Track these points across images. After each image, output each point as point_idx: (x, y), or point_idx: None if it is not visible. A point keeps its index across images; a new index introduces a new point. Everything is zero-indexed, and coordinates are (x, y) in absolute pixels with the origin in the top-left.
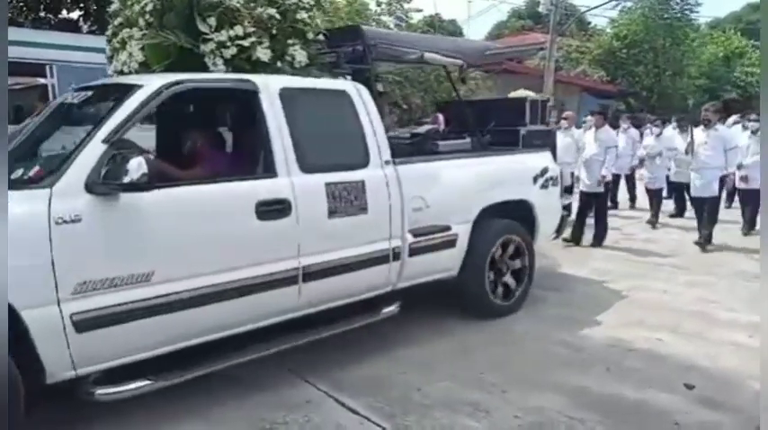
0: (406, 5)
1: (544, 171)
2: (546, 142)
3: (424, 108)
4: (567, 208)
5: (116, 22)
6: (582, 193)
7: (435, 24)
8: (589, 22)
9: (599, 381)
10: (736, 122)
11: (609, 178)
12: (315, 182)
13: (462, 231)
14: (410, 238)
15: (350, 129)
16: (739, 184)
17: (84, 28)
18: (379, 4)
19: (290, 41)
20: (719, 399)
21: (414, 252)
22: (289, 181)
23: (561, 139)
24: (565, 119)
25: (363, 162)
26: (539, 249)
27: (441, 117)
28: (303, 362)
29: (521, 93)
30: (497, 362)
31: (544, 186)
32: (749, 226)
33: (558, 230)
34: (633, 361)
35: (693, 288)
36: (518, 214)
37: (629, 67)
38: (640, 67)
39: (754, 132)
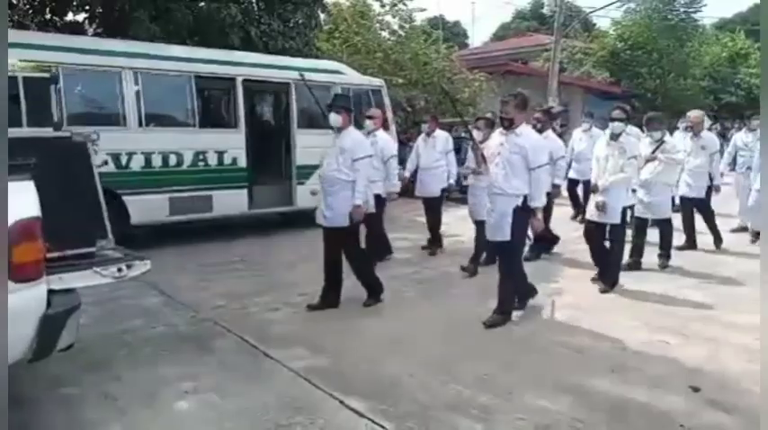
0: (409, 4)
1: None
2: (46, 162)
3: (428, 110)
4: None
5: None
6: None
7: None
8: (594, 24)
9: (604, 383)
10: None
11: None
12: None
13: None
14: None
15: None
16: (592, 215)
17: (90, 31)
18: (383, 6)
19: None
20: (725, 402)
21: None
22: None
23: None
24: (369, 117)
25: None
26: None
27: None
28: (308, 363)
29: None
30: (502, 364)
31: None
32: (611, 282)
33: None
34: (638, 363)
35: (697, 291)
36: None
37: (633, 68)
38: (644, 68)
39: (613, 137)
